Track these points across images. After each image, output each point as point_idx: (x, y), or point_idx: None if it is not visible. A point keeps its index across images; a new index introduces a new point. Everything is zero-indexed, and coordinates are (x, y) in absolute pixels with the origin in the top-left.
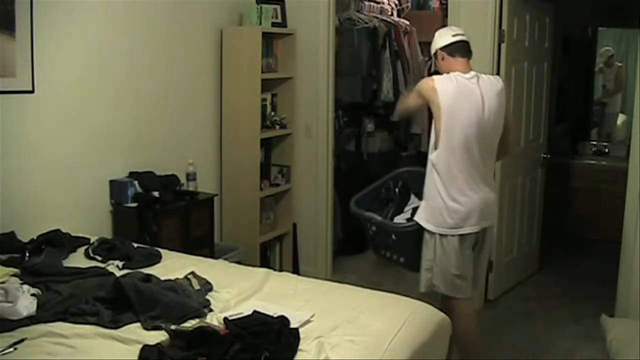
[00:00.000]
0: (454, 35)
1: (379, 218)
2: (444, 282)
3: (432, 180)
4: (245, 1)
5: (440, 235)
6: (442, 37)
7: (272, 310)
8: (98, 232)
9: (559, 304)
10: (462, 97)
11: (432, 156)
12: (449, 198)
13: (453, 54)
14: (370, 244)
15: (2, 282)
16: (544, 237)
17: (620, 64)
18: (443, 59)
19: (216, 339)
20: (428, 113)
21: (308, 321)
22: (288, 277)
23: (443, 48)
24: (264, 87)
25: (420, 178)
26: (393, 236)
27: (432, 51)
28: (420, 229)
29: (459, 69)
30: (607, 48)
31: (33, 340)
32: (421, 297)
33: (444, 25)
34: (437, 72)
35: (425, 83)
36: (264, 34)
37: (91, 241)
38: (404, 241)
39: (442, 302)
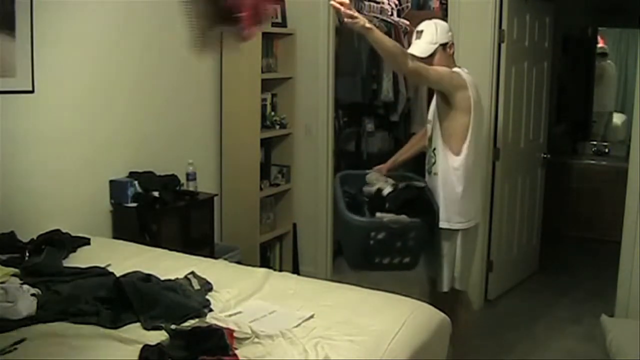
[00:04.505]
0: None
1: (408, 218)
2: (464, 276)
3: (461, 180)
4: None
5: (464, 230)
6: (450, 31)
7: (271, 309)
8: (98, 232)
9: (559, 304)
10: (477, 92)
11: (462, 155)
12: (475, 192)
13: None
14: (360, 256)
15: (2, 282)
16: (544, 237)
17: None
18: (452, 52)
19: (217, 337)
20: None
21: (308, 320)
22: (288, 277)
23: (453, 42)
24: (264, 87)
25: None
26: (412, 234)
27: (443, 41)
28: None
29: (455, 66)
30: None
31: (33, 340)
32: (420, 297)
33: None
34: None
35: (452, 73)
36: (264, 34)
37: (91, 241)
38: (420, 238)
39: (440, 299)
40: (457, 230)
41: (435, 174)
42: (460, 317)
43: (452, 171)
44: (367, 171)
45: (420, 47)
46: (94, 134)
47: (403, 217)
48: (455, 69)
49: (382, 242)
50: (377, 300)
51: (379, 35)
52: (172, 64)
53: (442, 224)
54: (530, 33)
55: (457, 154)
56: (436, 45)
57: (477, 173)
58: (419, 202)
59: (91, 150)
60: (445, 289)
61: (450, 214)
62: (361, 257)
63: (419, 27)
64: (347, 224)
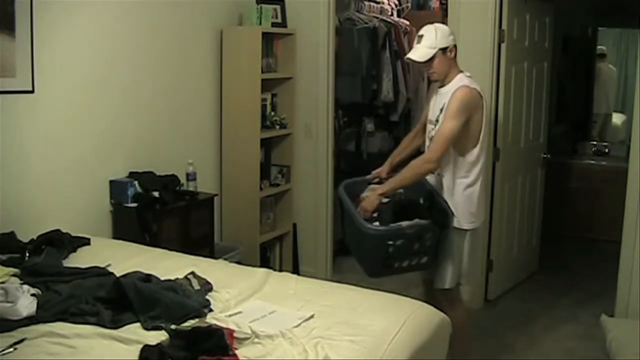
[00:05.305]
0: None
1: (422, 221)
2: (467, 272)
3: (471, 182)
4: (245, 1)
5: (472, 229)
6: (452, 34)
7: (271, 309)
8: (98, 232)
9: (559, 304)
10: (484, 97)
11: (473, 158)
12: (482, 192)
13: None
14: (378, 264)
15: (2, 282)
16: (544, 237)
17: None
18: (455, 56)
19: (217, 337)
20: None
21: (308, 320)
22: (288, 277)
23: (454, 45)
24: (264, 87)
25: (362, 185)
26: (428, 234)
27: (442, 45)
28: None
29: (459, 69)
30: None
31: (33, 340)
32: (419, 296)
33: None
34: None
35: (471, 94)
36: (264, 34)
37: (91, 241)
38: (435, 237)
39: (437, 298)
40: (467, 230)
41: (443, 175)
42: (458, 313)
43: (463, 174)
44: (369, 177)
45: (419, 51)
46: (94, 134)
47: (416, 220)
48: (465, 81)
49: (400, 247)
50: (377, 300)
51: (397, 185)
52: (172, 64)
53: (454, 224)
54: (530, 33)
55: (468, 157)
56: (435, 50)
57: (485, 174)
58: (430, 203)
59: (91, 150)
60: (448, 285)
61: (461, 215)
62: (380, 264)
63: (420, 32)
64: (364, 234)
